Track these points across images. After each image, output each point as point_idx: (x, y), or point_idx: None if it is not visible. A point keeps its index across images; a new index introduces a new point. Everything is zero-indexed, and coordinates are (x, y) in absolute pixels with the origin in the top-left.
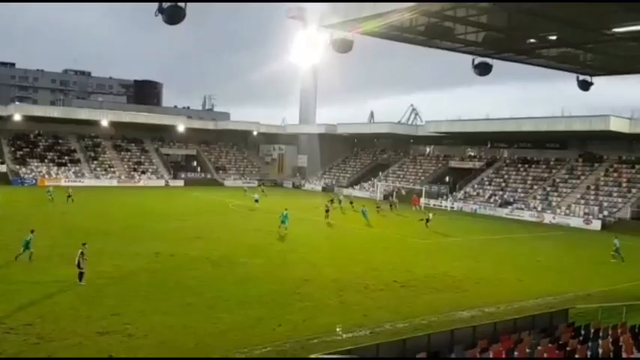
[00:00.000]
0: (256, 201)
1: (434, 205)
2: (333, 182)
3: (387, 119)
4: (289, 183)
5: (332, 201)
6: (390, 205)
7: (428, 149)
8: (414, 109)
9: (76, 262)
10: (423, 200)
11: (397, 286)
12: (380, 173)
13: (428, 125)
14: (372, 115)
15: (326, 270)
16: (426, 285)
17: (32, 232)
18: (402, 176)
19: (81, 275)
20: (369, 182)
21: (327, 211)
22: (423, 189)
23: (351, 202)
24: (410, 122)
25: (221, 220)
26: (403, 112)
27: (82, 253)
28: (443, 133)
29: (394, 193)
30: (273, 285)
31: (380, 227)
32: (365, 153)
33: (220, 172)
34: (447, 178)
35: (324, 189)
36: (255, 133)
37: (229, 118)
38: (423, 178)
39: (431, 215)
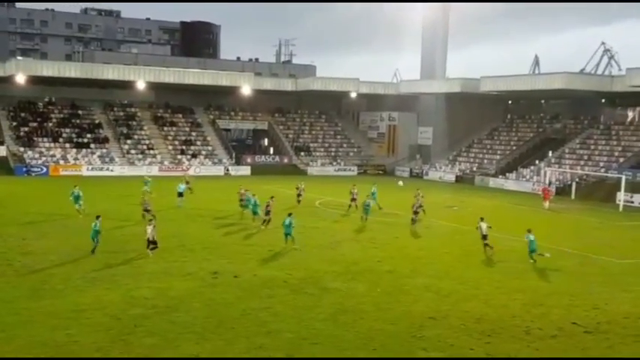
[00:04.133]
0: (180, 195)
1: (639, 203)
2: (474, 168)
3: (562, 67)
4: (405, 170)
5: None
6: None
7: (631, 114)
8: (606, 51)
9: (148, 237)
10: (622, 195)
11: (579, 330)
12: (550, 153)
13: (631, 75)
14: (536, 61)
15: (463, 303)
16: (628, 331)
17: (98, 217)
18: (586, 157)
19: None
20: (532, 168)
21: (415, 213)
22: (623, 177)
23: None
24: (601, 71)
25: (304, 224)
26: (588, 56)
27: (154, 226)
28: None
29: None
30: (383, 323)
31: (545, 237)
32: (525, 122)
33: (302, 154)
34: None
35: (459, 178)
36: (353, 94)
37: (315, 73)
38: (622, 159)
39: (484, 227)
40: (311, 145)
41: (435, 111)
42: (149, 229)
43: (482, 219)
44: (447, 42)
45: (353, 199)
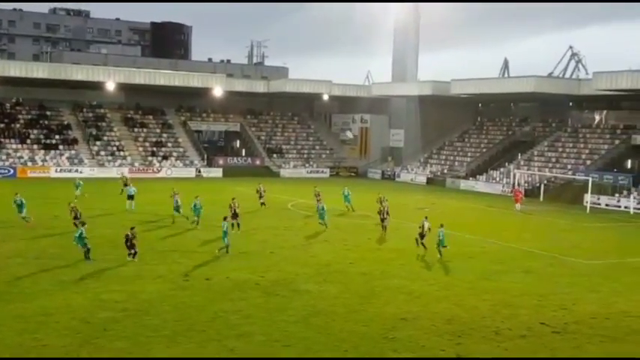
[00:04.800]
0: (130, 197)
1: (606, 205)
2: (445, 170)
3: (530, 71)
4: (377, 172)
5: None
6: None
7: (597, 117)
8: (574, 55)
9: (126, 243)
10: (589, 196)
11: (548, 331)
12: (519, 156)
13: (598, 79)
14: (505, 65)
15: (434, 305)
16: (595, 331)
17: (84, 225)
18: (554, 160)
19: (135, 254)
20: (502, 170)
21: (382, 219)
22: (590, 179)
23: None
24: (568, 75)
25: (275, 226)
26: (556, 60)
27: (133, 235)
28: (623, 92)
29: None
30: (354, 325)
31: (517, 239)
32: (495, 125)
33: (275, 156)
34: (629, 163)
35: (430, 180)
36: (325, 97)
37: (287, 75)
38: (589, 162)
39: (426, 225)
40: (283, 147)
41: (407, 113)
42: (129, 234)
43: (426, 218)
44: (419, 45)
45: (318, 201)
